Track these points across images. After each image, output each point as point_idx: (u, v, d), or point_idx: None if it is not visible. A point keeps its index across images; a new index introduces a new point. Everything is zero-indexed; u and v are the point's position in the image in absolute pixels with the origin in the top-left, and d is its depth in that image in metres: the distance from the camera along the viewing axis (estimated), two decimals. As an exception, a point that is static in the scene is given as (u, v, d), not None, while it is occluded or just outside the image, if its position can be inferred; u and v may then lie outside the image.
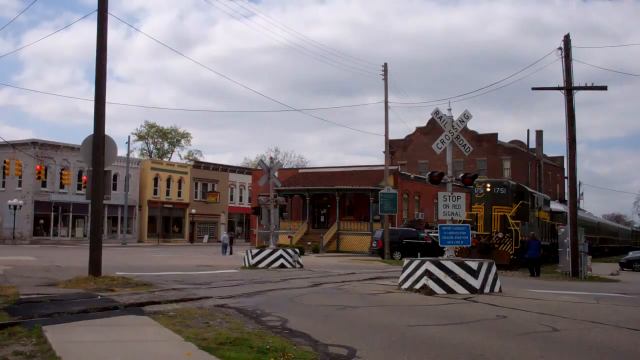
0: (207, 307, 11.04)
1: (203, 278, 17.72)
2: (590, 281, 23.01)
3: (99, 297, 11.71)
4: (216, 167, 78.90)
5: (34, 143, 57.16)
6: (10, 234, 55.09)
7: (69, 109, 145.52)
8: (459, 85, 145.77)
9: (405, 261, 15.46)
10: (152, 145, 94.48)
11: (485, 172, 66.52)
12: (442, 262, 14.45)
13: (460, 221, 16.03)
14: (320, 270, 23.18)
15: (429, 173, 16.16)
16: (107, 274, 15.36)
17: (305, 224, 51.16)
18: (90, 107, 67.99)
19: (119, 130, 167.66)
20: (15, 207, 54.04)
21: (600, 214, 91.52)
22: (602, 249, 55.55)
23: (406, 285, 14.78)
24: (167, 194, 71.36)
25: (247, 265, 24.52)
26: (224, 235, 44.75)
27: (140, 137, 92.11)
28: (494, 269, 14.94)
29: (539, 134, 70.28)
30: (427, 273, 14.30)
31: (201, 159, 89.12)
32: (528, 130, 69.83)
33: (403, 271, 15.20)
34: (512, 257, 28.90)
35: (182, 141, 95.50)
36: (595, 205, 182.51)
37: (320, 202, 53.11)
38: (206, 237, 74.07)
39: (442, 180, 15.49)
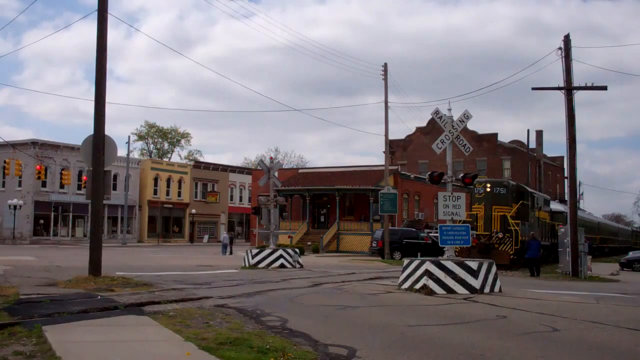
0: (207, 307, 11.04)
1: (203, 278, 17.72)
2: (590, 281, 23.01)
3: (99, 297, 11.71)
4: (216, 167, 78.90)
5: (34, 143, 57.17)
6: (10, 234, 55.09)
7: (69, 109, 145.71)
8: (459, 85, 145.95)
9: (405, 261, 15.46)
10: (152, 145, 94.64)
11: (485, 172, 66.53)
12: (442, 262, 14.45)
13: (460, 221, 16.03)
14: (320, 270, 23.19)
15: (429, 173, 16.16)
16: (107, 274, 15.36)
17: (305, 224, 51.16)
18: (90, 107, 68.00)
19: (119, 130, 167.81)
20: (15, 207, 54.04)
21: (600, 214, 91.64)
22: (602, 249, 55.56)
23: (406, 285, 14.78)
24: (167, 194, 71.37)
25: (247, 265, 24.52)
26: (224, 235, 44.75)
27: (140, 137, 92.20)
28: (494, 269, 14.94)
29: (539, 134, 70.29)
30: (427, 273, 14.30)
31: (201, 159, 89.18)
32: (528, 130, 69.98)
33: (403, 271, 15.20)
34: (512, 257, 28.90)
35: (182, 141, 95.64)
36: (595, 205, 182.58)
37: (320, 202, 53.11)
38: (206, 237, 74.08)
39: (442, 180, 15.49)
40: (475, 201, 30.65)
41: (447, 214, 15.17)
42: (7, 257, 27.30)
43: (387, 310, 11.64)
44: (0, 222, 57.15)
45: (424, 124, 67.63)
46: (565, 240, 25.10)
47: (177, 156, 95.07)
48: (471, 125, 66.62)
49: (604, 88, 24.75)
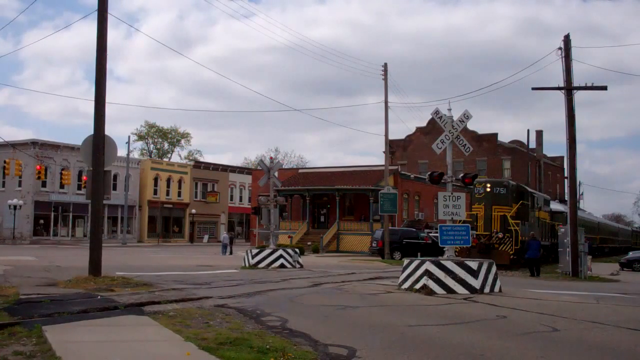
0: (207, 307, 11.04)
1: (203, 278, 17.72)
2: (590, 281, 23.01)
3: (99, 297, 11.71)
4: (216, 167, 78.90)
5: (34, 143, 57.17)
6: (10, 234, 55.09)
7: (69, 109, 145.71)
8: (459, 85, 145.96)
9: (405, 261, 15.46)
10: (152, 145, 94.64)
11: (485, 172, 66.53)
12: (442, 262, 14.45)
13: (460, 221, 16.03)
14: (320, 270, 23.19)
15: (429, 173, 16.16)
16: (107, 274, 15.36)
17: (305, 224, 51.16)
18: (90, 107, 68.01)
19: (119, 130, 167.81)
20: (15, 207, 54.04)
21: (600, 214, 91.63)
22: (602, 249, 55.55)
23: (406, 285, 14.78)
24: (167, 194, 71.37)
25: (247, 265, 24.52)
26: (224, 235, 44.75)
27: (140, 137, 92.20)
28: (494, 269, 14.94)
29: (539, 134, 70.29)
30: (427, 273, 14.30)
31: (201, 159, 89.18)
32: (528, 130, 69.99)
33: (403, 271, 15.20)
34: (512, 257, 28.90)
35: (182, 141, 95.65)
36: (595, 205, 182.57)
37: (320, 202, 53.11)
38: (206, 237, 74.07)
39: (442, 180, 15.49)
40: (475, 201, 30.66)
41: (447, 214, 15.17)
42: (7, 257, 27.31)
43: (387, 310, 11.64)
44: (0, 222, 57.15)
45: (424, 124, 67.66)
46: (565, 240, 25.10)
47: (177, 156, 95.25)
48: (471, 125, 66.68)
49: (604, 88, 24.76)
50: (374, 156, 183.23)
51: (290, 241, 46.06)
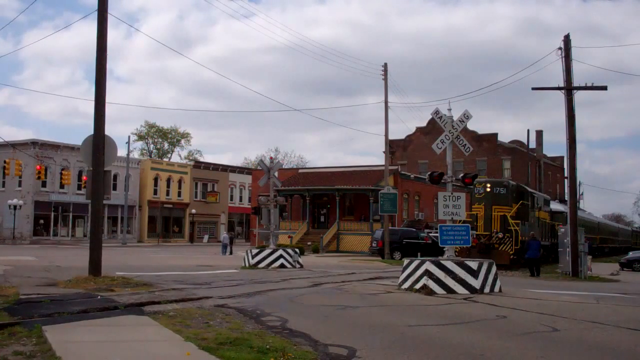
0: (207, 307, 11.04)
1: (203, 278, 17.72)
2: (590, 281, 23.01)
3: (99, 297, 11.71)
4: (216, 167, 78.91)
5: (34, 143, 57.17)
6: (10, 234, 55.09)
7: (69, 109, 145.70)
8: (459, 85, 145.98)
9: (405, 261, 15.46)
10: (152, 145, 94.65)
11: (485, 172, 66.53)
12: (442, 262, 14.45)
13: (460, 221, 16.03)
14: (320, 270, 23.19)
15: (429, 173, 16.16)
16: (107, 274, 15.36)
17: (305, 224, 51.16)
18: (90, 107, 68.02)
19: (119, 130, 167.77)
20: (15, 207, 54.04)
21: (600, 214, 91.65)
22: (602, 249, 55.56)
23: (406, 285, 14.78)
24: (167, 194, 71.37)
25: (247, 265, 24.52)
26: (224, 235, 44.75)
27: (140, 137, 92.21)
28: (494, 269, 14.94)
29: (539, 134, 70.32)
30: (427, 273, 14.30)
31: (201, 159, 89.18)
32: (528, 130, 69.97)
33: (403, 271, 15.20)
34: (512, 257, 28.90)
35: (182, 141, 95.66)
36: (595, 205, 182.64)
37: (320, 202, 53.11)
38: (206, 237, 74.07)
39: (442, 180, 15.49)
40: (475, 201, 30.66)
41: (447, 214, 15.17)
42: (7, 257, 27.31)
43: (387, 310, 11.64)
44: (0, 222, 57.15)
45: (424, 124, 67.66)
46: (565, 240, 25.10)
47: (177, 156, 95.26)
48: (471, 125, 66.69)
49: (604, 88, 24.76)
50: (374, 156, 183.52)
51: (290, 241, 46.06)
